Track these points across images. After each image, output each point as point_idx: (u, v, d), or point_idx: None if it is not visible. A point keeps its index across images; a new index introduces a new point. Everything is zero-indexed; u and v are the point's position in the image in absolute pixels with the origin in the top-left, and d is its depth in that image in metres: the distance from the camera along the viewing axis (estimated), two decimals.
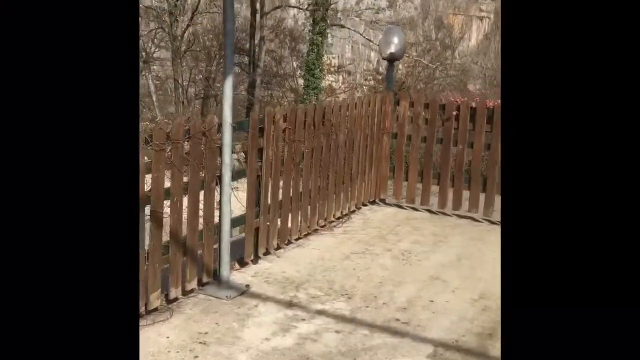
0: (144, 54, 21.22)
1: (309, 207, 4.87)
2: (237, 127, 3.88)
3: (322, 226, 5.12)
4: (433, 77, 25.39)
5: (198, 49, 22.82)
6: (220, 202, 3.75)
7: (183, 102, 22.73)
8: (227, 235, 3.77)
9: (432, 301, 3.85)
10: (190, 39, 23.07)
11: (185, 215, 3.60)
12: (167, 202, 3.45)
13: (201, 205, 3.70)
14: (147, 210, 3.31)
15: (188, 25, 22.32)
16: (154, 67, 23.63)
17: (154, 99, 21.22)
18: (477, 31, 31.84)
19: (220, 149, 3.69)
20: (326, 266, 4.36)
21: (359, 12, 23.77)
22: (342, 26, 23.17)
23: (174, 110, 22.51)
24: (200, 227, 3.75)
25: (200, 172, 3.63)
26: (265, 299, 3.78)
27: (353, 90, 25.89)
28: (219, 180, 3.73)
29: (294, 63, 25.05)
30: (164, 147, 3.31)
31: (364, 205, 5.90)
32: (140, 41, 20.77)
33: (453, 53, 29.51)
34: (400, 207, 6.00)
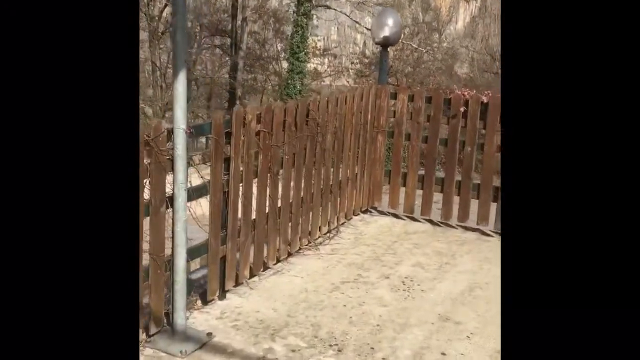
0: None
1: (290, 224, 4.03)
2: (195, 132, 3.02)
3: (306, 244, 4.29)
4: (421, 61, 24.56)
5: None
6: (173, 231, 2.89)
7: (161, 86, 21.78)
8: (183, 273, 2.92)
9: (444, 354, 3.04)
10: (168, 19, 22.00)
11: None
12: None
13: (147, 237, 2.84)
14: None
15: (166, 5, 21.24)
16: None
17: None
18: (465, 14, 31.05)
19: (172, 162, 2.82)
20: (310, 301, 3.53)
21: None
22: (328, 7, 22.24)
23: (152, 94, 21.55)
24: (147, 262, 2.90)
25: (144, 194, 2.76)
26: (231, 354, 2.94)
27: (339, 74, 25.09)
28: (171, 202, 2.87)
29: (278, 45, 24.09)
30: None
31: (355, 215, 5.06)
32: None
33: (440, 36, 28.68)
34: (397, 217, 5.17)
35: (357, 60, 25.39)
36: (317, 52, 24.37)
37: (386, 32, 5.27)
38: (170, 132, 2.80)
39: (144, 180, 2.75)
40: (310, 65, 21.63)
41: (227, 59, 23.45)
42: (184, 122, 2.77)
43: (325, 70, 25.33)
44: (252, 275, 3.74)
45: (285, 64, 21.44)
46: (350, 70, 25.54)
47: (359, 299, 3.60)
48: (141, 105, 20.01)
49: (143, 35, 21.96)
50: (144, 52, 22.58)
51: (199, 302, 3.40)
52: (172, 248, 2.90)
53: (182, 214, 2.86)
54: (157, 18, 20.39)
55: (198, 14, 22.94)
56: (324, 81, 25.82)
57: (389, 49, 5.46)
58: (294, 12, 19.36)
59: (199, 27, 22.90)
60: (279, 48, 24.34)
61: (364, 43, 26.33)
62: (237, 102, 22.81)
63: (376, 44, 5.48)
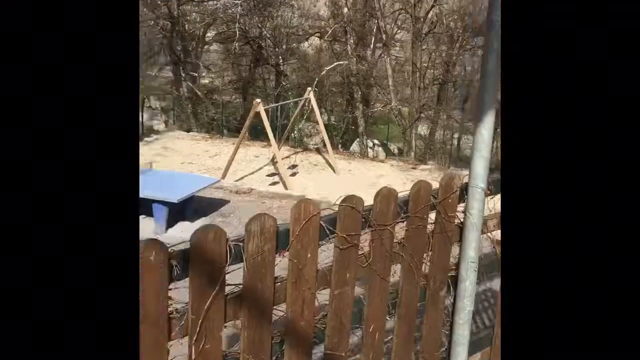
0: (384, 35, 20.49)
1: None
2: (496, 190, 2.20)
3: None
4: None
5: (440, 31, 21.24)
6: (451, 323, 2.13)
7: (419, 87, 21.50)
8: None
9: None
10: (433, 20, 21.56)
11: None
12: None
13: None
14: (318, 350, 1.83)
15: (432, 6, 20.80)
16: (396, 48, 22.79)
17: (390, 82, 20.27)
18: None
19: (461, 231, 2.06)
20: None
21: None
22: None
23: (409, 95, 21.38)
24: None
25: (420, 273, 2.04)
26: None
27: None
28: (453, 285, 2.11)
29: None
30: (357, 239, 1.78)
31: None
32: (382, 22, 20.07)
33: None
34: None
35: None
36: None
37: None
38: (464, 191, 2.03)
39: (423, 254, 2.03)
40: None
41: None
42: (485, 179, 1.98)
43: None
44: None
45: None
46: None
47: None
48: (398, 105, 19.92)
49: (406, 35, 21.88)
50: (405, 53, 22.50)
51: None
52: (448, 345, 2.14)
53: (467, 302, 2.08)
54: (422, 19, 20.04)
55: (464, 13, 22.12)
56: None
57: None
58: None
59: (462, 28, 22.10)
60: None
61: None
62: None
63: None
